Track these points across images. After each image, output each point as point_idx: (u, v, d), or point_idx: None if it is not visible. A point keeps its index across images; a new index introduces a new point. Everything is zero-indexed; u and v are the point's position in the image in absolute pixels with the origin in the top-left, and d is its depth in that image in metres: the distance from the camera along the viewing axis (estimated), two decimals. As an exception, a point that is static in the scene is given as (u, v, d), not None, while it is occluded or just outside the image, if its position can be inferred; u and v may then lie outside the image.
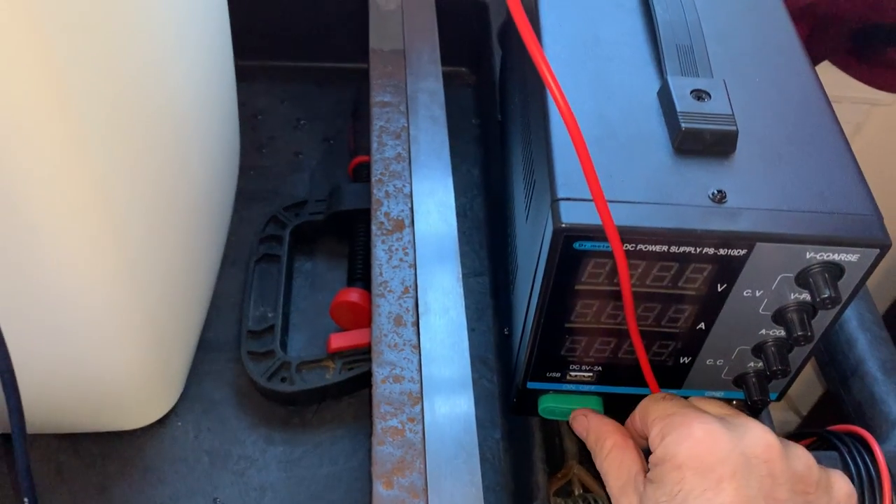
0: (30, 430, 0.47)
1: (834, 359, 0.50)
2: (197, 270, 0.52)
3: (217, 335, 0.54)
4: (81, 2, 0.33)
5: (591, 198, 0.32)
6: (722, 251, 0.33)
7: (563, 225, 0.32)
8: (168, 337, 0.48)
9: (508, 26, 0.64)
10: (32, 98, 0.32)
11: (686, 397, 0.39)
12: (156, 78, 0.42)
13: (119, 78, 0.37)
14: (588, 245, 0.33)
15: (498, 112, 0.59)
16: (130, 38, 0.38)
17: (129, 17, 0.38)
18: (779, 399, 0.42)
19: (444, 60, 0.63)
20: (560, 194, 0.33)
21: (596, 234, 0.33)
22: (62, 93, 0.32)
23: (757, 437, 0.34)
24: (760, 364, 0.39)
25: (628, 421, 0.39)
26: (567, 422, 0.44)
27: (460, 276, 0.49)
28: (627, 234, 0.33)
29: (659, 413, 0.36)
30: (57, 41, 0.31)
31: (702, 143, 0.35)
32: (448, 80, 0.62)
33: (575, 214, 0.33)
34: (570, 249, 0.33)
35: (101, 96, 0.36)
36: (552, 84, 0.31)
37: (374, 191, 0.53)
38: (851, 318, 0.50)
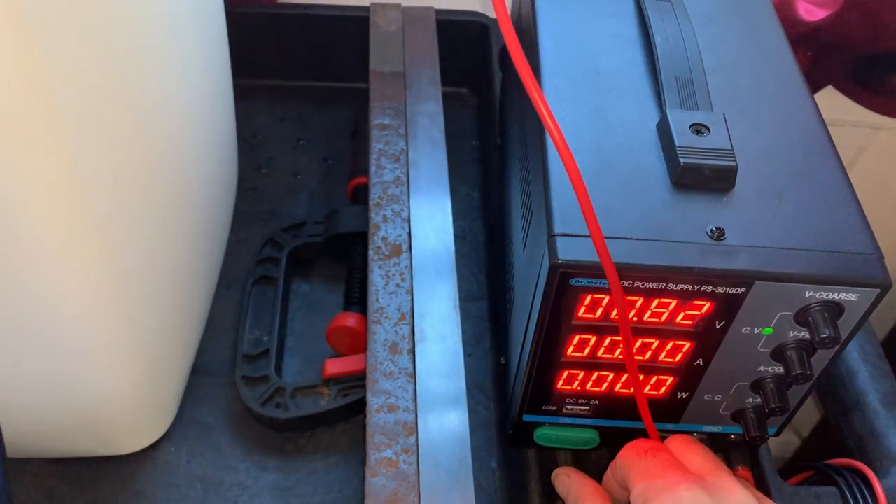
0: (21, 454, 0.47)
1: (834, 391, 0.49)
2: (192, 293, 0.52)
3: (211, 359, 0.53)
4: (78, 25, 0.32)
5: (588, 234, 0.31)
6: (720, 289, 0.33)
7: (560, 261, 0.32)
8: (162, 361, 0.48)
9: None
10: (27, 124, 0.31)
11: (677, 433, 0.39)
12: (155, 100, 0.42)
13: (117, 103, 0.37)
14: (584, 281, 0.33)
15: (498, 136, 0.59)
16: (130, 61, 0.38)
17: (128, 39, 0.38)
18: (777, 434, 0.41)
19: (445, 81, 0.62)
20: (557, 230, 0.33)
21: (593, 270, 0.32)
22: (57, 118, 0.32)
23: (739, 502, 0.33)
24: (759, 400, 0.38)
25: (608, 472, 0.39)
26: (562, 448, 0.44)
27: (457, 303, 0.49)
28: (625, 271, 0.32)
29: (641, 472, 0.35)
30: (53, 66, 0.31)
31: (701, 179, 0.35)
32: (448, 101, 0.62)
33: (572, 251, 0.32)
34: (566, 285, 0.33)
35: (99, 121, 0.35)
36: (548, 120, 0.31)
37: (372, 214, 0.53)
38: (852, 349, 0.49)
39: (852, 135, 0.76)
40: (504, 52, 0.65)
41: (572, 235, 0.33)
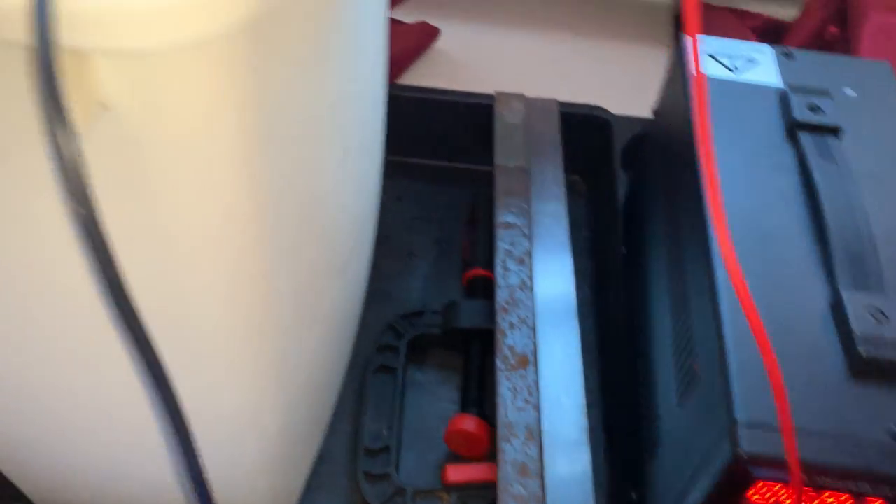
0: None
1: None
2: (328, 377, 0.52)
3: (330, 447, 0.54)
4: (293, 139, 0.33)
5: (774, 426, 0.32)
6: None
7: (745, 456, 0.33)
8: (296, 447, 0.49)
9: (637, 148, 0.64)
10: (233, 236, 0.32)
11: None
12: (331, 184, 0.42)
13: (302, 188, 0.37)
14: (763, 472, 0.33)
15: (622, 243, 0.60)
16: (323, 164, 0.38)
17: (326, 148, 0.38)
18: None
19: (559, 168, 0.63)
20: (740, 416, 0.34)
21: (777, 465, 0.33)
22: (257, 221, 0.33)
23: None
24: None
25: None
26: None
27: (586, 425, 0.49)
28: (807, 467, 0.33)
29: None
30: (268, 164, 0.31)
31: (880, 371, 0.35)
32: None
33: (756, 443, 0.33)
34: (744, 474, 0.33)
35: (283, 211, 0.35)
36: (749, 306, 0.32)
37: (499, 320, 0.54)
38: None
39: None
40: (631, 152, 0.65)
41: (757, 427, 0.33)
